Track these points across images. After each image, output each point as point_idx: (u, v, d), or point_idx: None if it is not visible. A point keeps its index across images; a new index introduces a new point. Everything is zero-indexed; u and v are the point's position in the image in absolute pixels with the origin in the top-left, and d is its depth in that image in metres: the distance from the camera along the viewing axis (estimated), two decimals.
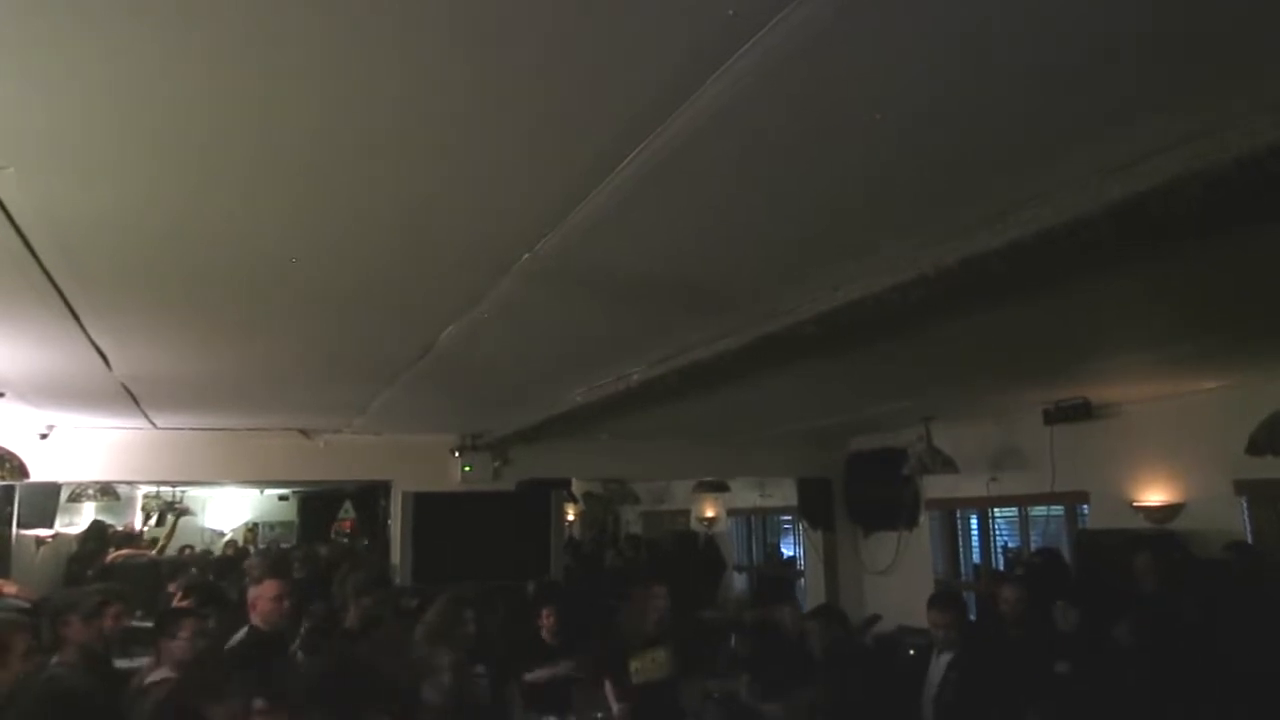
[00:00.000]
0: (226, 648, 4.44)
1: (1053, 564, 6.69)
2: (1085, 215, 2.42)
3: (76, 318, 3.82)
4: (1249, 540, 5.87)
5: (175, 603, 5.50)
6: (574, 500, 12.82)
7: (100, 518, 11.66)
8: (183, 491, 14.43)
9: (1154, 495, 6.53)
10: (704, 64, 1.82)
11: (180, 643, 3.93)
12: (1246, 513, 6.00)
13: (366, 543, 12.34)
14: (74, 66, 1.81)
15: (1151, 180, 2.23)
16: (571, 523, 13.51)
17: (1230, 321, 4.40)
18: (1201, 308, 4.16)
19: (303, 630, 5.11)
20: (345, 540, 13.56)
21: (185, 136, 2.15)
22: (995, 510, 8.50)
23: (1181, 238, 2.96)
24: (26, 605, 5.85)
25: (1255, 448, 5.05)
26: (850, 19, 1.68)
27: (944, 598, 5.46)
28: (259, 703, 3.26)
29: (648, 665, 4.98)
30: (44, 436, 7.48)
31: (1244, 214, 2.65)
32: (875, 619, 7.54)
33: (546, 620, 5.80)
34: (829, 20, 1.67)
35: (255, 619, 4.43)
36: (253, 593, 4.56)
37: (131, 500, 14.00)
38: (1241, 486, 5.96)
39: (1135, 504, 6.59)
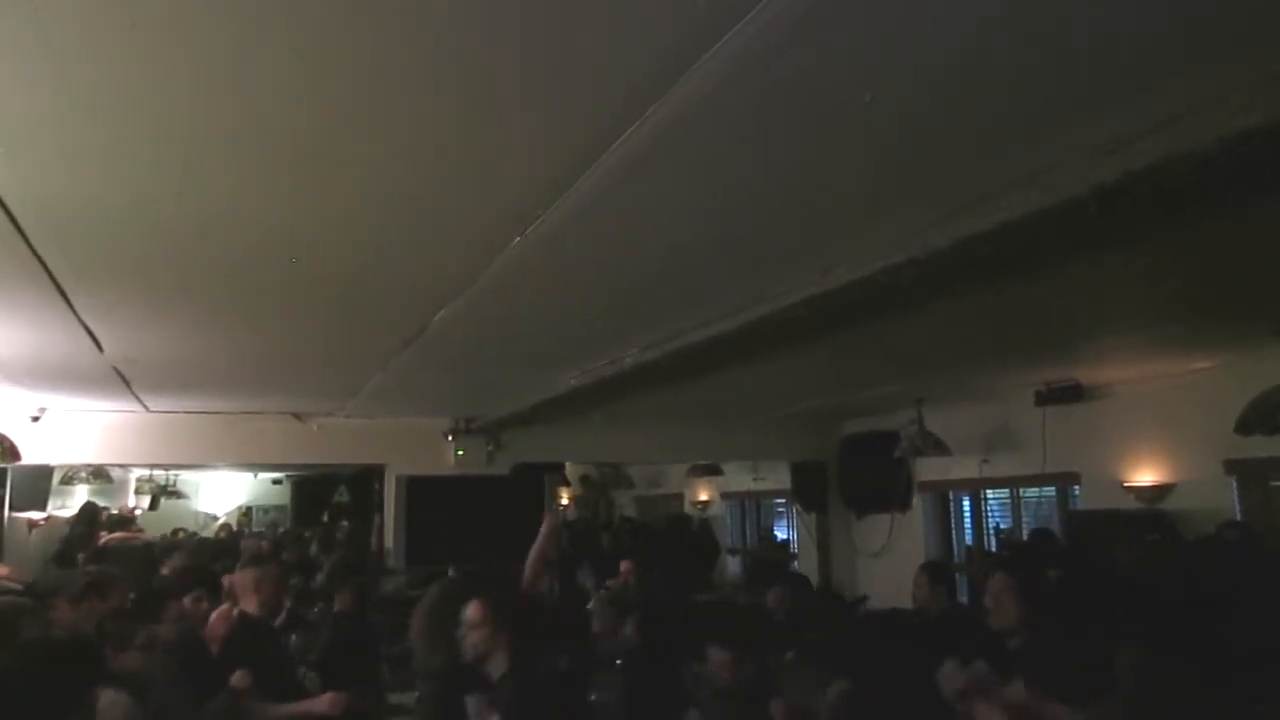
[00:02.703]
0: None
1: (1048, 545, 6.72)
2: (1074, 196, 2.42)
3: (67, 300, 3.81)
4: (1239, 518, 5.90)
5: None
6: (568, 484, 12.84)
7: (93, 500, 11.65)
8: (176, 474, 14.43)
9: (1145, 476, 6.56)
10: (690, 50, 1.82)
11: (166, 626, 3.91)
12: (1236, 492, 6.03)
13: (344, 523, 12.39)
14: (62, 50, 1.80)
15: (1139, 161, 2.23)
16: (566, 506, 13.55)
17: (1219, 302, 4.42)
18: (1191, 288, 4.17)
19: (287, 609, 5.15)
20: (322, 525, 13.57)
21: (176, 120, 2.15)
22: (987, 492, 8.54)
23: (1170, 219, 2.97)
24: (19, 588, 5.84)
25: (1244, 427, 5.08)
26: (830, 7, 1.68)
27: (931, 565, 5.56)
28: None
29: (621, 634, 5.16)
30: (35, 419, 7.47)
31: (1231, 194, 2.65)
32: (863, 599, 7.58)
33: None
34: (813, 5, 1.67)
35: (251, 604, 4.36)
36: (254, 575, 4.46)
37: (125, 483, 14.00)
38: (1231, 466, 5.99)
39: (1126, 484, 6.62)
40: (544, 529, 5.48)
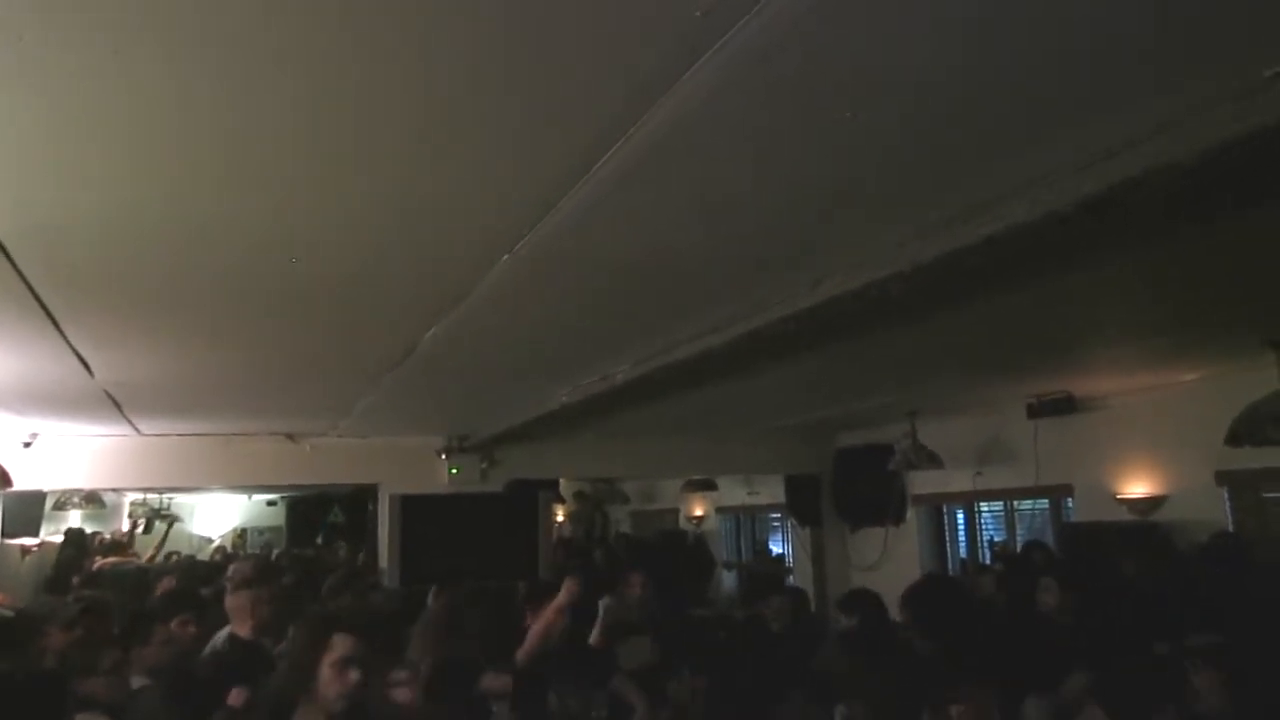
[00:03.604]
0: (204, 654, 4.40)
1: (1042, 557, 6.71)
2: (1060, 209, 2.43)
3: (56, 324, 3.80)
4: (1230, 529, 5.91)
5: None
6: (562, 500, 12.82)
7: (85, 525, 11.59)
8: (170, 498, 14.36)
9: (1137, 487, 6.58)
10: (681, 60, 1.82)
11: (152, 649, 3.87)
12: (1228, 503, 6.05)
13: (342, 543, 12.32)
14: (47, 71, 1.80)
15: (1124, 173, 2.24)
16: (561, 523, 13.51)
17: (1210, 313, 4.43)
18: (1182, 299, 4.19)
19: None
20: (316, 547, 13.49)
21: (161, 140, 2.15)
22: (981, 504, 8.55)
23: (1157, 230, 2.99)
24: (10, 614, 5.81)
25: (1235, 438, 5.08)
26: (825, 15, 1.69)
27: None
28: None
29: (633, 652, 5.05)
30: (27, 445, 7.45)
31: (1217, 205, 2.68)
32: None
33: (530, 620, 5.71)
34: (803, 16, 1.67)
35: (244, 628, 4.32)
36: (243, 598, 4.43)
37: (118, 507, 13.93)
38: (1222, 477, 6.01)
39: (1119, 496, 6.63)
40: (559, 599, 4.74)
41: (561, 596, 4.74)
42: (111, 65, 1.79)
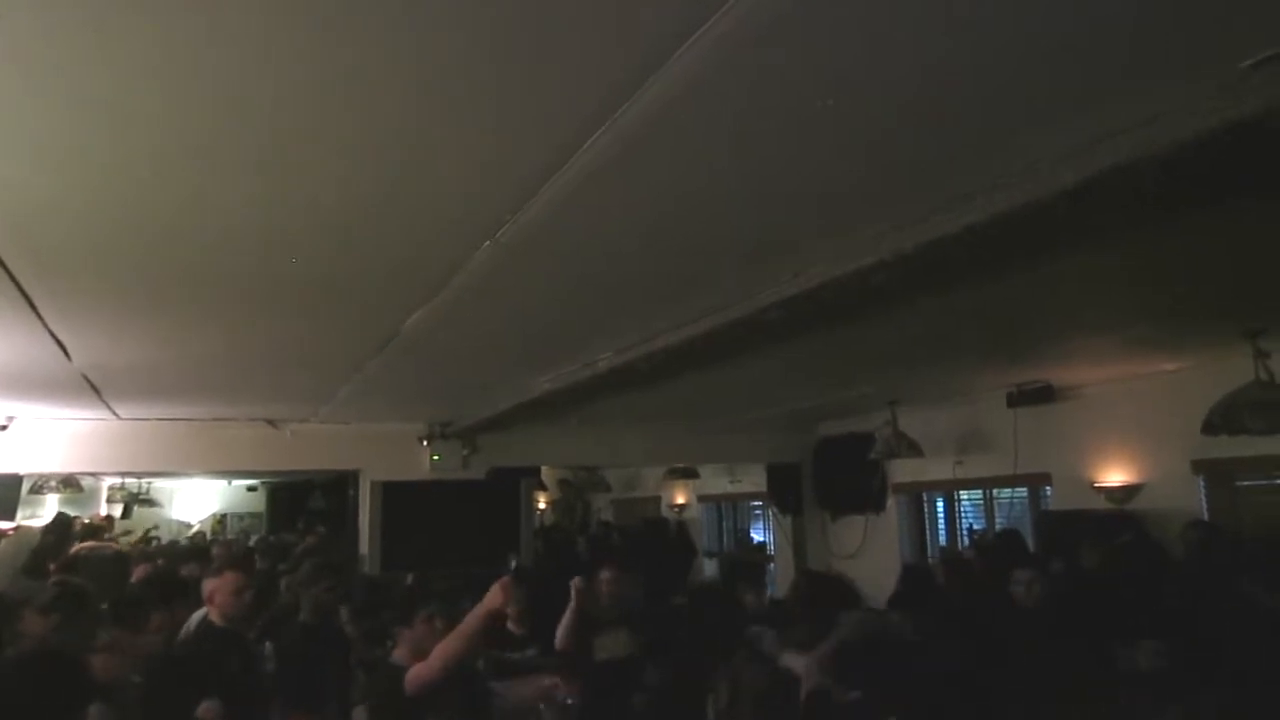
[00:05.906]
0: (179, 640, 4.38)
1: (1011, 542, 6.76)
2: (1041, 199, 2.45)
3: (33, 307, 3.76)
4: (1205, 518, 5.98)
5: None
6: (544, 488, 12.82)
7: (64, 510, 11.50)
8: (149, 483, 14.27)
9: (1114, 476, 6.64)
10: (664, 48, 1.82)
11: (145, 638, 3.85)
12: (1203, 491, 6.13)
13: (321, 529, 12.27)
14: (20, 48, 1.78)
15: (1104, 164, 2.26)
16: (543, 511, 13.52)
17: (1188, 303, 4.47)
18: (1159, 290, 4.22)
19: (260, 621, 5.05)
20: (296, 532, 13.42)
21: (141, 124, 2.13)
22: (961, 493, 8.61)
23: (1137, 221, 3.01)
24: None
25: (1211, 428, 5.14)
26: (811, 6, 1.69)
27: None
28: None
29: (608, 644, 5.01)
30: (3, 428, 7.38)
31: (1195, 196, 2.70)
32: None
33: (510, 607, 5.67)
34: (789, 7, 1.67)
35: (212, 612, 4.33)
36: (211, 585, 4.43)
37: (96, 492, 13.84)
38: (1198, 466, 6.08)
39: (1096, 485, 6.70)
40: (484, 604, 3.60)
41: (487, 600, 3.57)
42: (93, 46, 1.78)
